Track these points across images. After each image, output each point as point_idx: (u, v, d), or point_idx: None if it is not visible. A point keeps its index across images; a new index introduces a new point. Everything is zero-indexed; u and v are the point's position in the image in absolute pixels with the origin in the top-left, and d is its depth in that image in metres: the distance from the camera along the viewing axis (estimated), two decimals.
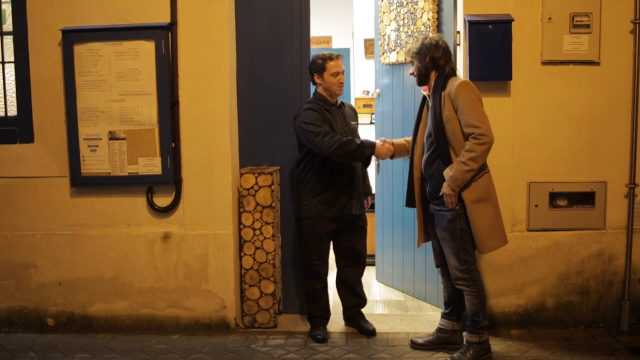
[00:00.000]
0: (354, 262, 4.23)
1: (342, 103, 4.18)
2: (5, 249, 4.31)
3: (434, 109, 3.56)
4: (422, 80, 3.69)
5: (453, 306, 3.88)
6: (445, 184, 3.51)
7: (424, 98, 3.75)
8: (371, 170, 4.50)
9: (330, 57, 4.02)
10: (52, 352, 4.01)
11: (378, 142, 3.99)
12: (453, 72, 3.66)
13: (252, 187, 4.16)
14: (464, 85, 3.51)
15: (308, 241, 4.09)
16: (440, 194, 3.55)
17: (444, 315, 3.92)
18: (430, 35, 3.79)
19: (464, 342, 3.75)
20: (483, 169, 3.55)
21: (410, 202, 3.86)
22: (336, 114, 4.08)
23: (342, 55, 4.13)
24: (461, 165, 3.44)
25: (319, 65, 4.04)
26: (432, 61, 3.61)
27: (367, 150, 3.87)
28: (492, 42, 3.95)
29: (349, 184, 4.03)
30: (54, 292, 4.30)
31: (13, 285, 4.32)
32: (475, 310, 3.65)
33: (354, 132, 4.13)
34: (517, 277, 4.13)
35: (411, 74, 3.74)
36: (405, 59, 4.69)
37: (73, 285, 4.29)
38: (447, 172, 3.49)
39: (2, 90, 4.44)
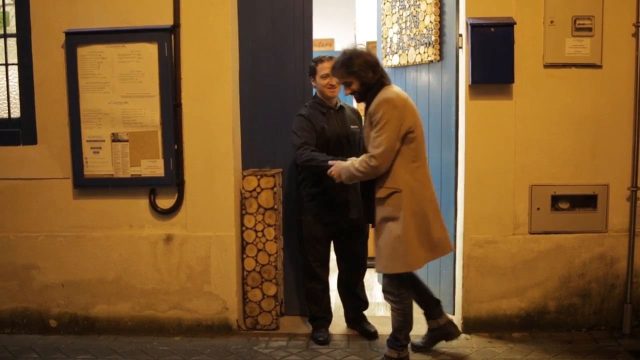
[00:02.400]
0: (355, 265, 4.24)
1: (341, 106, 4.16)
2: (8, 250, 4.32)
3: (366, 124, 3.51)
4: (364, 94, 3.53)
5: (426, 309, 3.84)
6: (336, 168, 3.58)
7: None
8: None
9: (321, 60, 4.04)
10: (54, 353, 4.02)
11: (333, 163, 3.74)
12: (384, 80, 3.50)
13: (254, 189, 4.17)
14: (383, 104, 3.37)
15: (306, 244, 4.11)
16: (329, 172, 3.62)
17: (427, 318, 3.88)
18: (353, 48, 3.58)
19: (383, 356, 3.70)
20: (392, 189, 3.43)
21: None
22: (334, 117, 4.07)
23: (333, 57, 3.98)
24: (352, 166, 3.48)
25: (312, 68, 4.09)
26: (371, 69, 3.47)
27: (326, 169, 3.76)
28: (494, 45, 3.95)
29: (345, 189, 3.96)
30: (57, 293, 4.31)
31: (16, 287, 4.33)
32: (398, 327, 3.63)
33: (354, 135, 4.10)
34: (519, 280, 4.13)
35: (350, 93, 3.56)
36: (407, 62, 4.71)
37: (75, 287, 4.30)
38: (345, 164, 3.54)
39: (6, 92, 4.45)
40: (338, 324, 4.35)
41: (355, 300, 4.26)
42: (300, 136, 3.95)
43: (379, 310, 4.68)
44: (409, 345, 3.84)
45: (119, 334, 4.27)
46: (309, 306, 4.23)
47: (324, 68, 4.00)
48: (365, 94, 3.52)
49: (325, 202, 4.03)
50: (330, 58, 4.00)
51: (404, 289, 3.59)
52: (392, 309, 3.63)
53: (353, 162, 3.48)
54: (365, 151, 3.50)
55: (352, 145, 4.08)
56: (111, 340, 4.20)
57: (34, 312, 4.34)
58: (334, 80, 3.96)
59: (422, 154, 3.53)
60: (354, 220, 4.06)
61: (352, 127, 4.12)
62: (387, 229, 3.45)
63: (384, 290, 3.63)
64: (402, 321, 3.61)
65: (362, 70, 3.46)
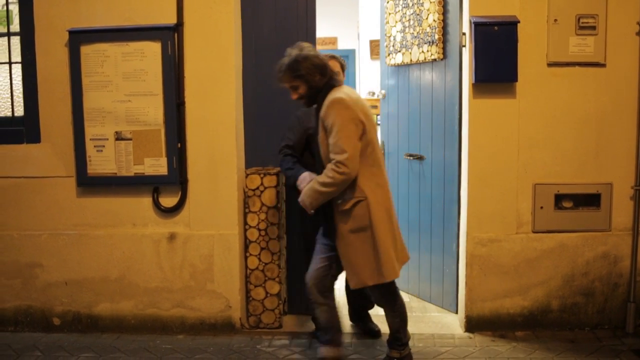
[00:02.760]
0: None
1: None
2: (12, 249, 4.33)
3: (315, 131, 3.30)
4: (313, 99, 3.34)
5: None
6: (301, 195, 3.34)
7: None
8: None
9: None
10: (57, 351, 4.03)
11: (301, 177, 3.62)
12: (333, 82, 3.30)
13: (257, 188, 4.17)
14: (335, 105, 3.15)
15: (307, 241, 4.11)
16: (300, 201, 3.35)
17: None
18: (299, 50, 3.34)
19: (386, 356, 3.66)
20: (357, 198, 3.24)
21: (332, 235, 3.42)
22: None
23: (335, 56, 4.06)
24: (316, 184, 3.22)
25: None
26: (320, 72, 3.27)
27: (291, 179, 3.73)
28: (497, 44, 3.95)
29: None
30: (60, 291, 4.32)
31: (19, 285, 4.34)
32: (397, 327, 3.57)
33: None
34: (522, 279, 4.12)
35: (296, 98, 3.37)
36: (410, 61, 4.70)
37: (79, 285, 4.30)
38: (304, 186, 3.32)
39: (10, 91, 4.45)
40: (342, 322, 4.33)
41: (359, 299, 4.25)
42: (284, 137, 3.95)
43: (381, 309, 4.67)
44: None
45: (122, 332, 4.28)
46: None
47: None
48: (314, 98, 3.32)
49: None
50: (333, 57, 4.00)
51: (391, 295, 3.51)
52: (387, 314, 3.58)
53: (316, 180, 3.22)
54: (322, 164, 3.27)
55: None
56: (114, 339, 4.20)
57: (38, 310, 4.35)
58: (341, 78, 3.95)
59: (379, 158, 3.34)
60: None
61: None
62: (359, 240, 3.28)
63: (377, 304, 3.59)
64: (400, 321, 3.58)
65: (310, 73, 3.26)
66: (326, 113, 3.17)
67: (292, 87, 3.34)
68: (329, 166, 3.16)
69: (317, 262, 3.47)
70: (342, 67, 4.11)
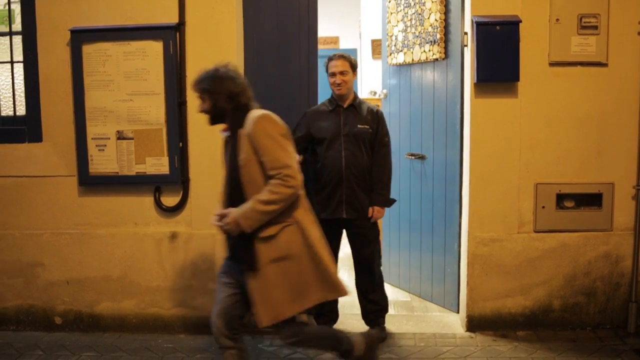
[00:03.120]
0: (359, 269, 4.17)
1: (353, 105, 4.03)
2: (14, 248, 4.34)
3: (232, 151, 3.05)
4: (217, 118, 3.13)
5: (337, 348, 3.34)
6: (231, 217, 2.94)
7: (226, 140, 3.18)
8: None
9: (331, 58, 4.03)
10: (59, 350, 4.03)
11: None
12: (251, 102, 3.12)
13: None
14: (263, 120, 2.97)
15: None
16: (222, 223, 3.00)
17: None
18: (220, 65, 3.15)
19: None
20: (285, 221, 2.98)
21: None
22: (340, 115, 4.02)
23: (344, 55, 4.04)
24: (258, 204, 2.89)
25: (325, 66, 4.08)
26: (229, 96, 3.05)
27: None
28: (499, 43, 3.95)
29: (337, 187, 3.95)
30: (62, 290, 4.32)
31: (21, 284, 4.34)
32: (324, 349, 3.40)
33: (358, 134, 3.97)
34: (523, 278, 4.12)
35: (202, 111, 3.16)
36: (412, 60, 4.70)
37: (80, 284, 4.31)
38: (241, 209, 2.94)
39: (11, 90, 4.46)
40: (349, 322, 4.32)
41: (366, 304, 4.19)
42: (293, 133, 3.95)
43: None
44: None
45: (124, 332, 4.28)
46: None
47: (332, 66, 4.00)
48: (219, 118, 3.13)
49: (323, 199, 4.02)
50: (341, 56, 3.99)
51: (299, 327, 3.17)
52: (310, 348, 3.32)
53: (256, 199, 2.90)
54: (233, 178, 3.03)
55: (354, 143, 3.98)
56: (116, 338, 4.21)
57: (39, 309, 4.35)
58: (339, 79, 3.95)
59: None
60: (350, 220, 3.99)
61: (359, 126, 3.99)
62: (281, 270, 2.98)
63: (287, 343, 3.21)
64: (317, 345, 3.36)
65: (217, 92, 3.06)
66: (255, 130, 2.94)
67: (200, 98, 3.16)
68: (273, 182, 2.90)
69: (223, 302, 3.13)
70: (353, 66, 4.06)
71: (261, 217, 2.91)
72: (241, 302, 3.13)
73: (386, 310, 4.24)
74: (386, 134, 4.09)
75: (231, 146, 3.06)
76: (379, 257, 4.26)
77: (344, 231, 4.14)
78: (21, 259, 4.33)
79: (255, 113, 3.01)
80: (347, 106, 4.05)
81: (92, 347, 4.07)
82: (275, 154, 2.92)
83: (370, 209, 4.02)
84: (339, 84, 3.98)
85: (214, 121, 3.16)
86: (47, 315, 4.35)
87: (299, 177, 2.94)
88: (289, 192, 2.91)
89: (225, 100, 3.05)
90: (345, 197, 3.96)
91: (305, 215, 3.05)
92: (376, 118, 4.06)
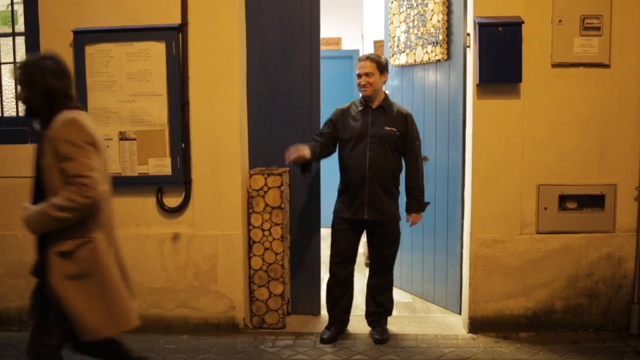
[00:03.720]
0: (374, 269, 4.18)
1: (382, 106, 4.01)
2: (17, 248, 4.34)
3: (37, 152, 2.77)
4: (32, 112, 2.80)
5: None
6: (25, 214, 2.73)
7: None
8: None
9: (359, 59, 4.09)
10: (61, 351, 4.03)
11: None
12: (69, 102, 2.79)
13: (261, 188, 4.17)
14: (68, 125, 2.66)
15: (332, 236, 4.13)
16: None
17: None
18: (48, 54, 2.85)
19: None
20: (86, 237, 2.72)
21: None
22: (368, 116, 3.99)
23: (371, 57, 4.01)
24: (50, 207, 2.63)
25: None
26: (45, 92, 2.73)
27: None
28: (502, 44, 3.95)
29: (360, 188, 3.95)
30: None
31: (23, 284, 4.33)
32: None
33: (384, 136, 3.94)
34: (526, 280, 4.12)
35: (19, 99, 2.94)
36: (414, 61, 4.70)
37: None
38: (36, 208, 2.69)
39: (14, 91, 4.46)
40: (352, 324, 4.32)
41: (374, 306, 4.20)
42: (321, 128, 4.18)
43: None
44: None
45: (126, 332, 4.26)
46: (326, 301, 4.24)
47: (358, 67, 4.03)
48: (32, 112, 2.81)
49: (346, 198, 4.03)
50: (368, 57, 4.01)
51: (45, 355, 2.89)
52: None
53: (50, 202, 2.64)
54: (37, 181, 2.79)
55: (380, 145, 3.94)
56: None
57: None
58: (364, 81, 3.96)
59: (108, 192, 2.87)
60: (372, 222, 4.00)
61: (386, 128, 3.96)
62: (81, 289, 2.73)
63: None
64: None
65: (34, 86, 2.74)
66: (57, 135, 2.67)
67: (18, 84, 2.83)
68: (69, 188, 2.64)
69: (35, 331, 2.87)
70: (380, 68, 3.99)
71: (49, 223, 2.66)
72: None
73: (390, 313, 4.25)
74: (416, 138, 4.04)
75: (38, 146, 2.77)
76: (393, 264, 4.25)
77: (365, 231, 4.16)
78: (24, 259, 4.31)
79: (64, 116, 2.70)
80: (375, 107, 4.02)
81: None
82: (76, 162, 2.65)
83: (408, 216, 4.09)
84: (363, 85, 3.98)
85: (29, 114, 2.83)
86: None
87: (99, 190, 2.65)
88: (84, 201, 2.63)
89: (41, 95, 2.74)
90: (367, 199, 3.96)
91: (107, 234, 2.84)
92: (405, 121, 4.02)
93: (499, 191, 4.09)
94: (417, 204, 4.07)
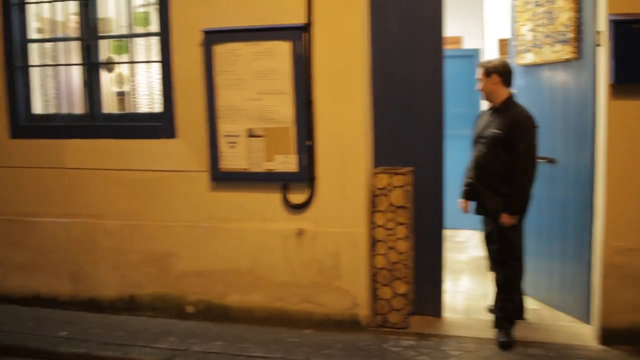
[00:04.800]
0: (494, 265, 4.23)
1: (499, 108, 4.07)
2: (149, 238, 4.56)
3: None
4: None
5: None
6: None
7: None
8: None
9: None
10: (191, 337, 4.21)
11: None
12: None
13: (385, 187, 4.18)
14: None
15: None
16: None
17: None
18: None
19: None
20: None
21: None
22: (489, 118, 4.14)
23: (480, 63, 4.22)
24: None
25: None
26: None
27: None
28: (638, 42, 3.75)
29: (472, 185, 4.15)
30: (194, 281, 4.51)
31: (156, 273, 4.56)
32: None
33: (489, 137, 4.00)
34: None
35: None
36: (542, 60, 4.57)
37: (211, 276, 4.47)
38: None
39: (150, 88, 4.68)
40: (475, 327, 4.29)
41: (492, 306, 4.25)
42: None
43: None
44: None
45: (251, 324, 4.40)
46: None
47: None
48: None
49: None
50: (478, 64, 4.20)
51: None
52: None
53: None
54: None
55: (486, 145, 4.01)
56: (244, 329, 4.33)
57: (173, 298, 4.56)
58: (479, 86, 4.13)
59: None
60: (486, 214, 4.17)
61: (492, 130, 4.01)
62: None
63: None
64: None
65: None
66: None
67: None
68: None
69: None
70: (487, 72, 4.09)
71: None
72: None
73: (502, 316, 4.12)
74: (521, 140, 3.95)
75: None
76: (507, 263, 4.14)
77: None
78: (156, 249, 4.54)
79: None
80: (495, 109, 4.13)
81: (221, 336, 4.22)
82: None
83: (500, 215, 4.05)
84: (479, 90, 4.16)
85: None
86: (179, 303, 4.55)
87: None
88: None
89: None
90: (477, 196, 4.12)
91: None
92: (511, 124, 3.98)
93: (635, 197, 3.89)
94: (507, 205, 4.01)
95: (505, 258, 4.11)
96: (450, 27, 6.73)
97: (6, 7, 4.76)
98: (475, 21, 6.94)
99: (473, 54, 6.74)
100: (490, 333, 4.17)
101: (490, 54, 6.57)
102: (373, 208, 4.23)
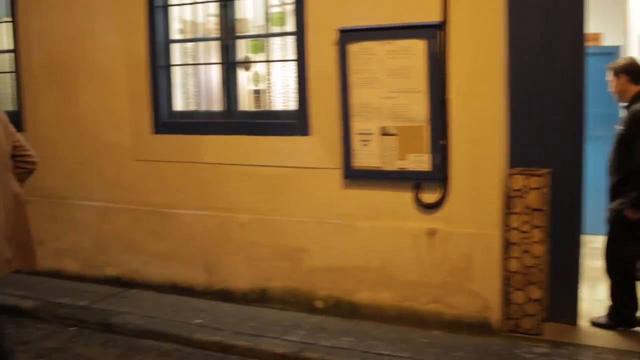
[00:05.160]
0: None
1: (628, 106, 4.19)
2: (282, 233, 4.69)
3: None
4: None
5: None
6: None
7: None
8: None
9: None
10: (319, 332, 4.29)
11: None
12: None
13: (521, 189, 4.06)
14: None
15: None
16: None
17: None
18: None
19: None
20: None
21: None
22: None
23: (609, 65, 4.34)
24: None
25: None
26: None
27: None
28: None
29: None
30: (324, 276, 4.58)
31: (287, 267, 4.69)
32: None
33: (616, 134, 4.16)
34: None
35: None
36: None
37: (341, 272, 4.53)
38: None
39: (285, 87, 4.81)
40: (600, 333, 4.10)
41: None
42: None
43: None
44: None
45: (381, 321, 4.41)
46: None
47: None
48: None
49: None
50: (615, 62, 4.28)
51: None
52: None
53: None
54: None
55: (615, 142, 4.17)
56: (373, 327, 4.36)
57: (303, 292, 4.66)
58: (611, 87, 4.29)
59: None
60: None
61: (617, 126, 4.19)
62: None
63: None
64: None
65: None
66: None
67: None
68: None
69: None
70: (616, 72, 4.24)
71: None
72: None
73: (616, 312, 4.17)
74: (636, 135, 3.98)
75: None
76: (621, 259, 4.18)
77: None
78: (288, 244, 4.67)
79: None
80: (626, 107, 4.19)
81: (350, 332, 4.27)
82: None
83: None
84: (611, 92, 4.33)
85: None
86: (309, 298, 4.65)
87: None
88: None
89: None
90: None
91: None
92: (628, 119, 4.10)
93: None
94: (627, 199, 4.05)
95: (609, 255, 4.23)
96: (590, 24, 6.43)
97: (151, 10, 5.05)
98: (617, 17, 6.58)
99: (614, 52, 6.39)
100: (631, 345, 3.97)
101: (632, 51, 6.20)
102: (507, 210, 4.12)
